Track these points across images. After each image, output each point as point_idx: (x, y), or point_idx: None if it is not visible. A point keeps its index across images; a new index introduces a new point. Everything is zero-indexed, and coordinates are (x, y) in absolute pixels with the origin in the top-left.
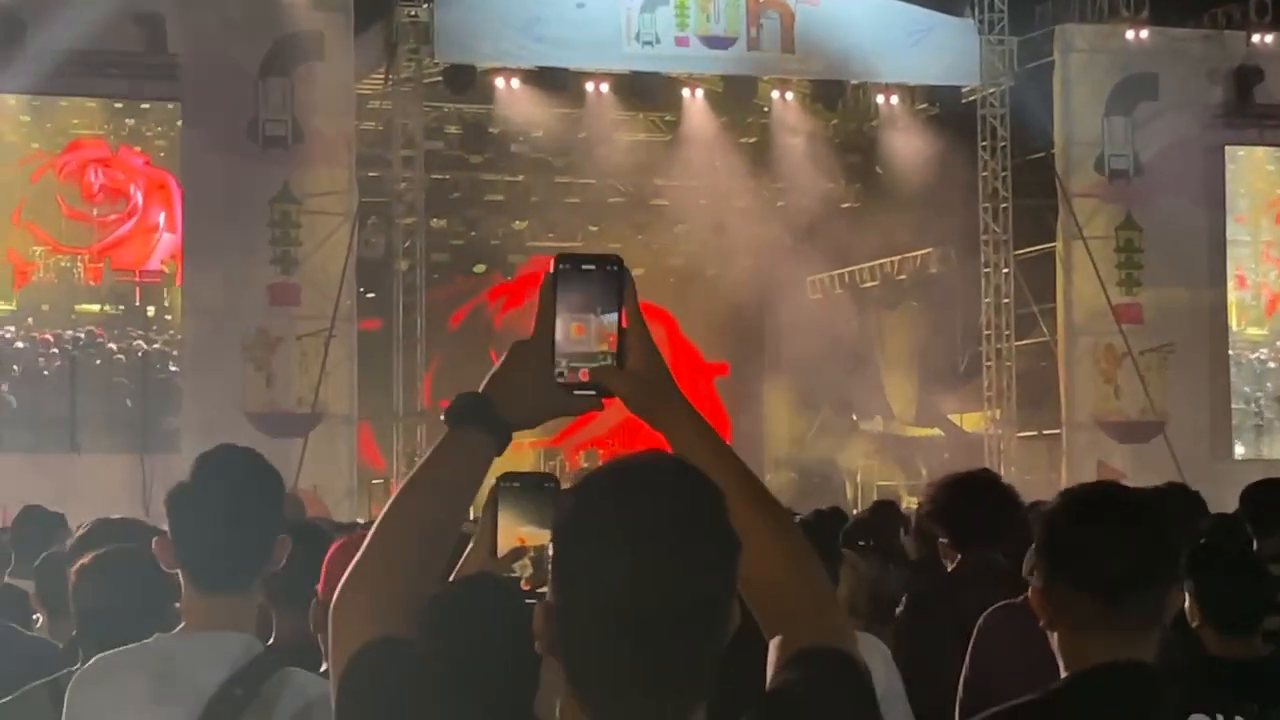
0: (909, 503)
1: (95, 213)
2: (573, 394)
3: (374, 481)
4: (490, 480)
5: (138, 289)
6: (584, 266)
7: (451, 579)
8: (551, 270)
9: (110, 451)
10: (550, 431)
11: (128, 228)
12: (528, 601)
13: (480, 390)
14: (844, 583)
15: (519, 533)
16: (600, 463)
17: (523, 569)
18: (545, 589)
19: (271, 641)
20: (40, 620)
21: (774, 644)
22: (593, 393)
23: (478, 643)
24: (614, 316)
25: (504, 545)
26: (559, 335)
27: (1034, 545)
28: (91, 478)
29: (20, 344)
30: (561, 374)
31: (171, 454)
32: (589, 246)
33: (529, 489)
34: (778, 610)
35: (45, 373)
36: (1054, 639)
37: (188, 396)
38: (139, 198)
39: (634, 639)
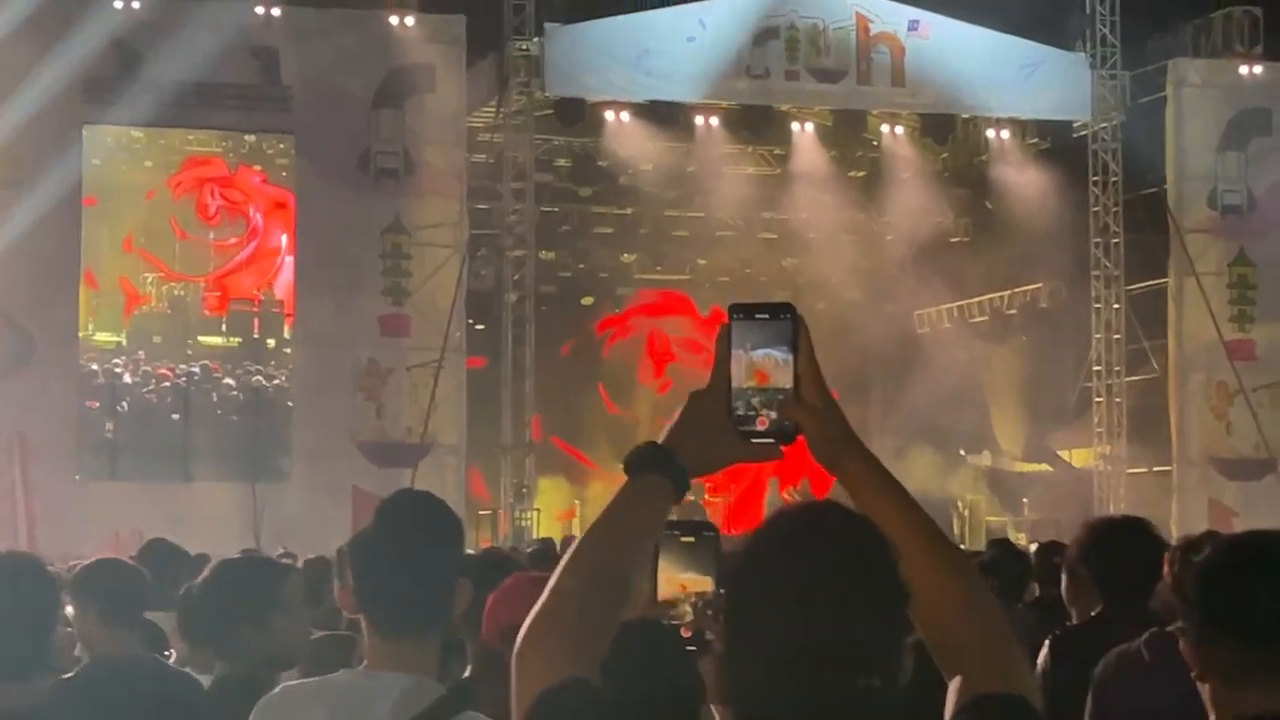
0: (1017, 538)
1: (212, 236)
2: (751, 441)
3: (481, 513)
4: None
5: (256, 319)
6: (758, 315)
7: None
8: (726, 320)
9: (221, 480)
10: None
11: (247, 252)
12: (688, 649)
13: (660, 440)
14: None
15: (679, 579)
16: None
17: (682, 615)
18: (706, 635)
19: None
20: (173, 655)
21: (952, 686)
22: (770, 440)
23: (640, 687)
24: (789, 364)
25: (664, 592)
26: (735, 383)
27: (1184, 594)
28: (203, 506)
29: (130, 378)
30: (739, 421)
31: (282, 483)
32: (696, 279)
33: (689, 536)
34: (955, 654)
35: (157, 404)
36: (1205, 690)
37: (298, 426)
38: (258, 219)
39: (805, 689)
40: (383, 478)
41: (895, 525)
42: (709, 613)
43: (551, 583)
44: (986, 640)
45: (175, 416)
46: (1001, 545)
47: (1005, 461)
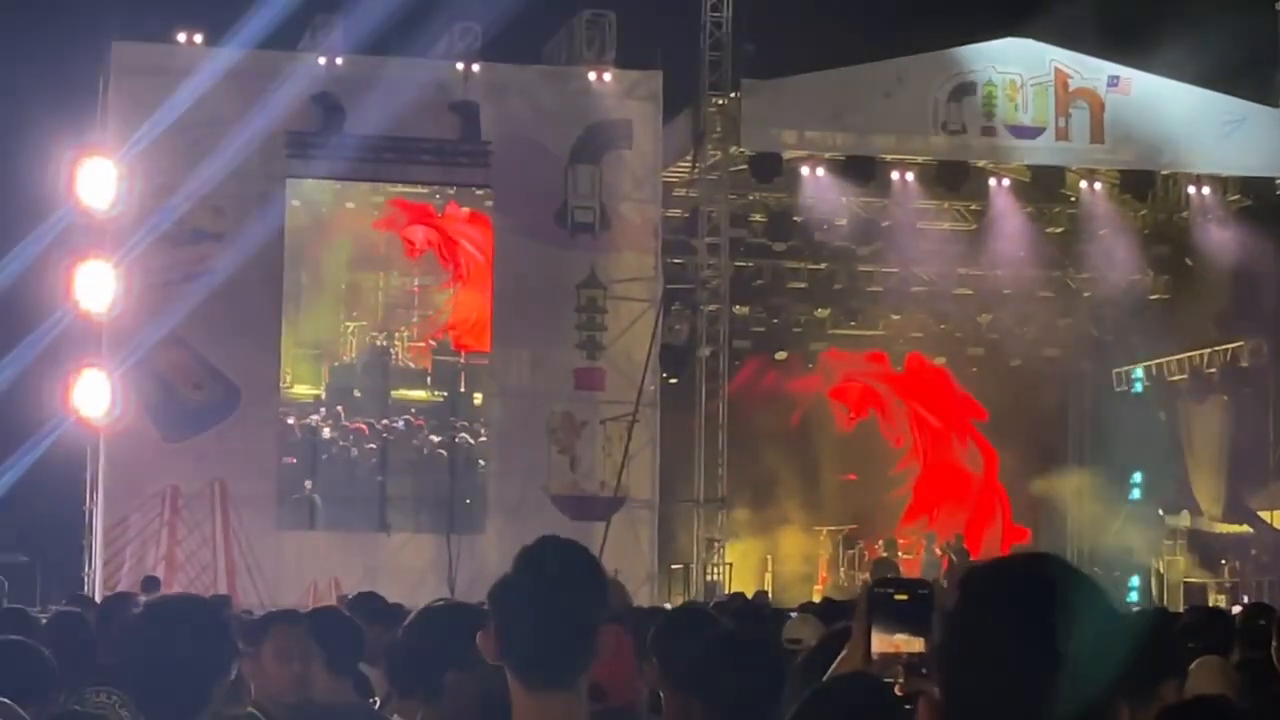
0: (1216, 600)
1: (417, 283)
2: None
3: (674, 567)
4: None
5: (463, 374)
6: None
7: (825, 678)
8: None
9: (418, 531)
10: (848, 521)
11: (452, 296)
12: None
13: None
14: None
15: (893, 640)
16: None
17: (896, 675)
18: (920, 693)
19: None
20: (377, 703)
21: None
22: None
23: None
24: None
25: (877, 651)
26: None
27: None
28: (400, 557)
29: (329, 432)
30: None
31: (476, 534)
32: (890, 335)
33: (903, 594)
34: None
35: (357, 457)
36: None
37: (493, 477)
38: (466, 264)
39: None
40: (576, 530)
41: None
42: (923, 671)
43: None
44: None
45: (373, 468)
46: (1201, 610)
47: (1204, 522)
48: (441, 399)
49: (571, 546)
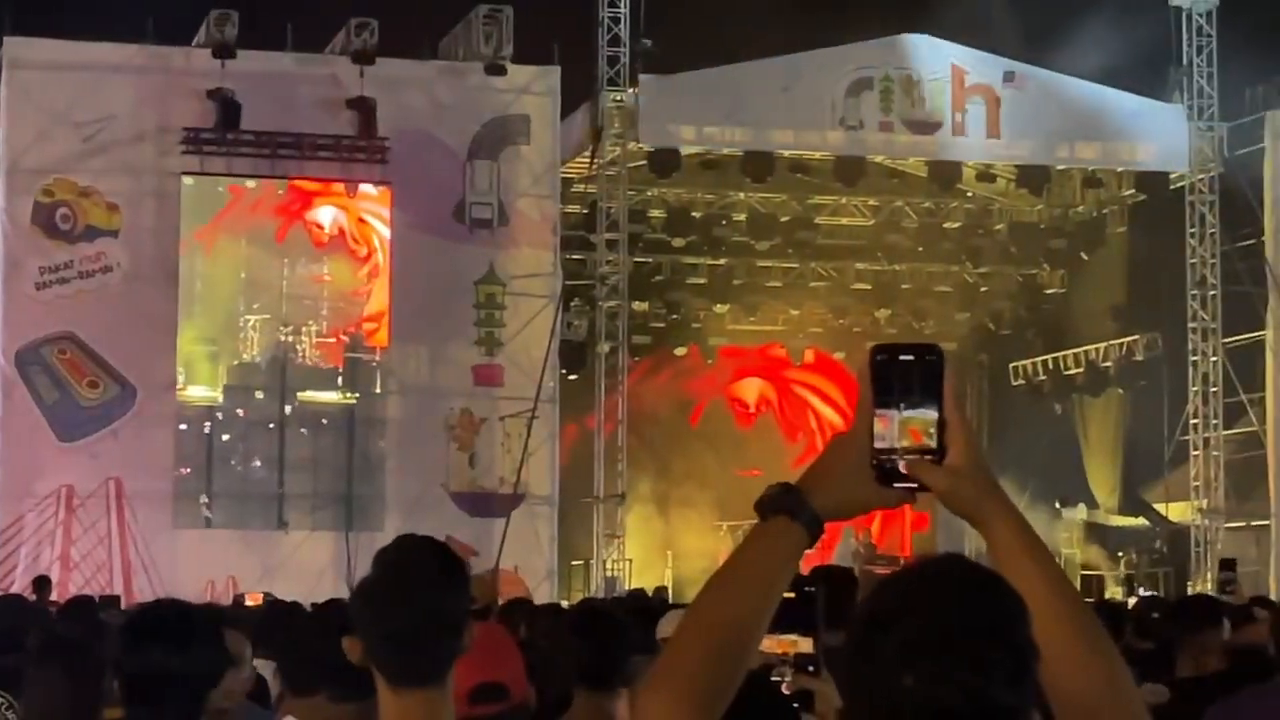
0: (1113, 592)
1: (327, 271)
2: (890, 486)
3: (574, 563)
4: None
5: (379, 373)
6: (901, 357)
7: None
8: (869, 361)
9: (315, 529)
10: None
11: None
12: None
13: (795, 481)
14: None
15: (778, 640)
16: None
17: (781, 675)
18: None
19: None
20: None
21: None
22: (914, 485)
23: None
24: (933, 407)
25: (764, 649)
26: (878, 440)
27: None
28: (297, 555)
29: (226, 436)
30: (880, 466)
31: (375, 531)
32: (789, 330)
33: (789, 593)
34: None
35: (253, 453)
36: None
37: (392, 474)
38: (379, 255)
39: None
40: (476, 527)
41: (1033, 585)
42: (810, 669)
43: (676, 629)
44: (1122, 715)
45: (271, 465)
46: (1093, 602)
47: (1101, 515)
48: (354, 401)
49: (427, 544)
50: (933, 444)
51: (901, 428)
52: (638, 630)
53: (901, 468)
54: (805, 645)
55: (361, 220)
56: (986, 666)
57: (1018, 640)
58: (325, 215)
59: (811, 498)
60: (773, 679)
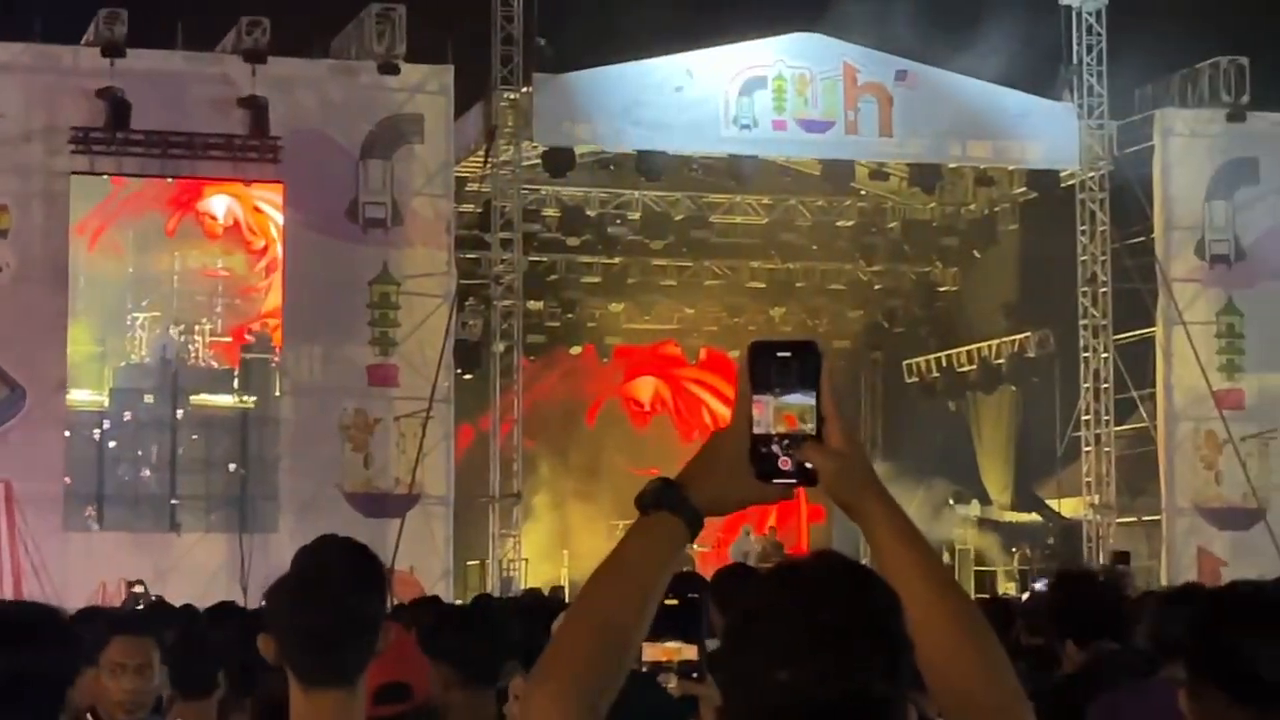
0: (1006, 588)
1: (221, 265)
2: (769, 481)
3: (469, 563)
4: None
5: (278, 374)
6: (779, 353)
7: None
8: (747, 356)
9: (209, 530)
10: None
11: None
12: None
13: (674, 476)
14: None
15: (662, 648)
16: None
17: (666, 681)
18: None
19: None
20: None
21: None
22: (792, 481)
23: None
24: (812, 401)
25: (649, 659)
26: (756, 421)
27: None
28: (191, 556)
29: (114, 442)
30: (760, 461)
31: (269, 533)
32: (684, 329)
33: (672, 599)
34: (964, 711)
35: (145, 455)
36: None
37: (286, 475)
38: (278, 247)
39: None
40: (371, 528)
41: (911, 576)
42: (693, 676)
43: (560, 624)
44: (999, 701)
45: (163, 467)
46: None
47: (994, 511)
48: (251, 405)
49: (345, 545)
50: (810, 429)
51: (777, 413)
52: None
53: (780, 463)
54: (689, 652)
55: (257, 209)
56: (860, 660)
57: (891, 633)
58: (218, 205)
59: (691, 492)
60: (658, 683)
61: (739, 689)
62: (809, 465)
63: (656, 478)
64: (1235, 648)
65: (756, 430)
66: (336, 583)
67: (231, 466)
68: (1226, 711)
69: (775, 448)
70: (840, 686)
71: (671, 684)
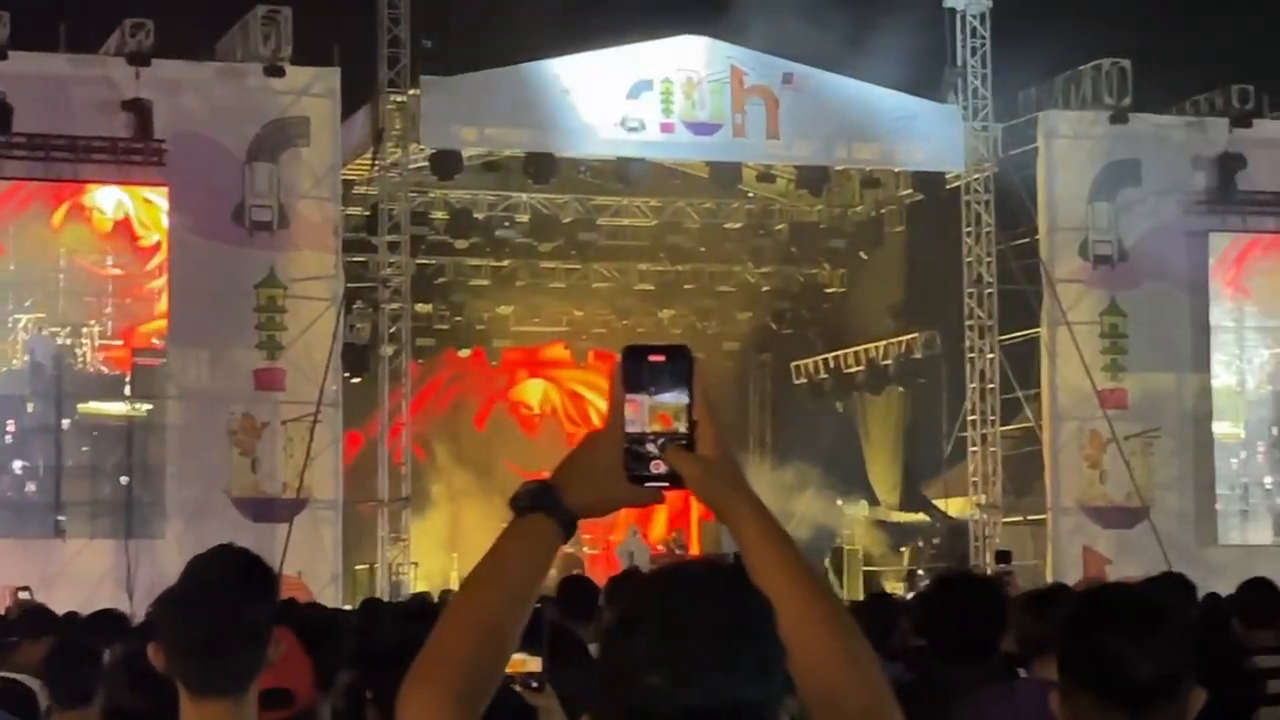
0: (894, 588)
1: (111, 262)
2: (642, 485)
3: (358, 568)
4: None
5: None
6: (652, 357)
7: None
8: (620, 361)
9: (94, 536)
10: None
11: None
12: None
13: (548, 478)
14: None
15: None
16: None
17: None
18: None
19: None
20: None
21: None
22: (664, 483)
23: None
24: (684, 406)
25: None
26: (631, 426)
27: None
28: (76, 563)
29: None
30: (632, 464)
31: (155, 539)
32: (574, 331)
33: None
34: (833, 712)
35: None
36: None
37: (172, 480)
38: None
39: None
40: (259, 533)
41: (779, 579)
42: (534, 686)
43: (437, 626)
44: (868, 703)
45: (47, 471)
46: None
47: (882, 511)
48: (144, 414)
49: (235, 554)
50: (683, 428)
51: (652, 413)
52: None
53: (653, 466)
54: (532, 664)
55: (148, 200)
56: (732, 664)
57: (763, 637)
58: (107, 199)
59: (565, 494)
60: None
61: (612, 693)
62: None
63: (531, 480)
64: (1106, 649)
65: (629, 429)
66: (225, 592)
67: (119, 474)
68: (1098, 712)
69: (650, 447)
70: (712, 690)
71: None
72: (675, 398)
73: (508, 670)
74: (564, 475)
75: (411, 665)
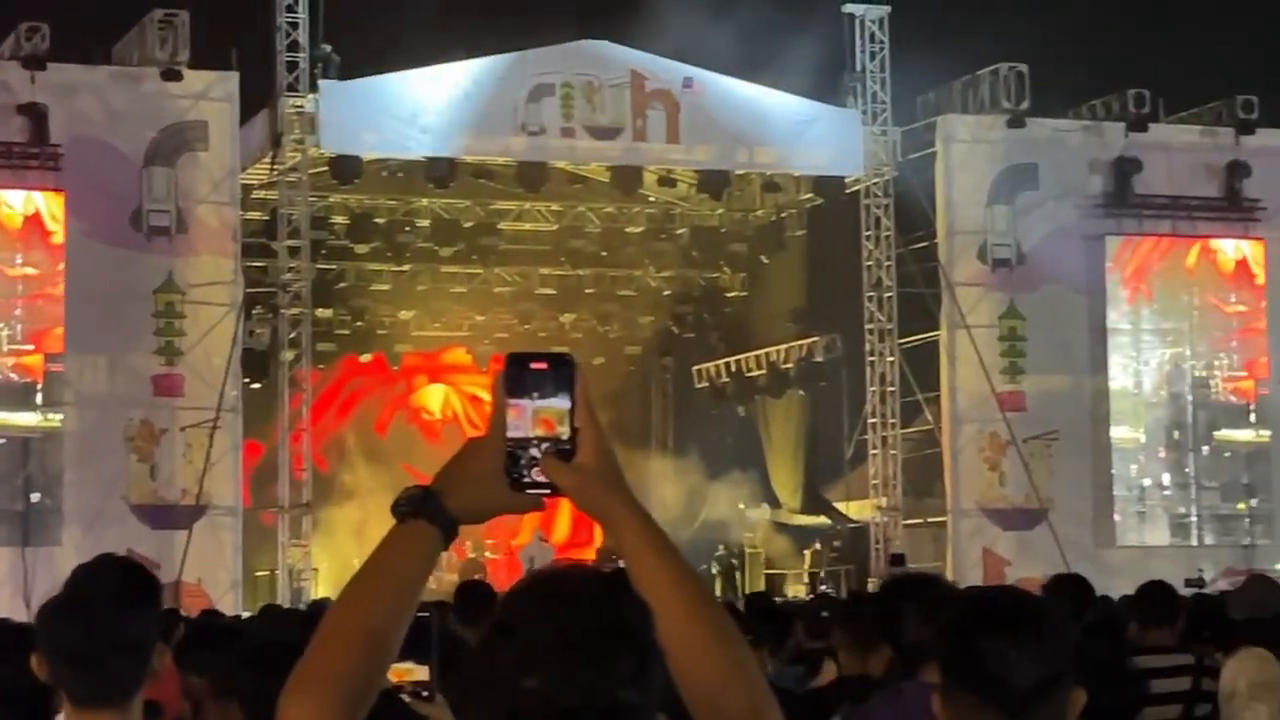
0: (795, 590)
1: (21, 260)
2: (523, 491)
3: (258, 574)
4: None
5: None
6: (534, 365)
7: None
8: (503, 368)
9: None
10: None
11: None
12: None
13: (429, 484)
14: None
15: (395, 668)
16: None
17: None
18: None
19: None
20: None
21: None
22: (545, 491)
23: None
24: (566, 412)
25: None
26: (514, 432)
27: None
28: None
29: None
30: (513, 470)
31: (53, 546)
32: (475, 335)
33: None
34: (713, 715)
35: None
36: None
37: (70, 488)
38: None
39: None
40: (158, 540)
41: (661, 584)
42: (423, 695)
43: (318, 633)
44: (749, 704)
45: None
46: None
47: (784, 514)
48: (57, 424)
49: (117, 563)
50: (565, 435)
51: (534, 418)
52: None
53: (534, 473)
54: (420, 673)
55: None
56: (609, 667)
57: (640, 640)
58: (15, 194)
59: (446, 500)
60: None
61: (486, 696)
62: None
63: (412, 485)
64: (986, 652)
65: (511, 434)
66: (106, 602)
67: (17, 481)
68: (978, 714)
69: (533, 453)
70: (589, 693)
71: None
72: (557, 404)
73: (396, 680)
74: (445, 481)
75: (290, 676)
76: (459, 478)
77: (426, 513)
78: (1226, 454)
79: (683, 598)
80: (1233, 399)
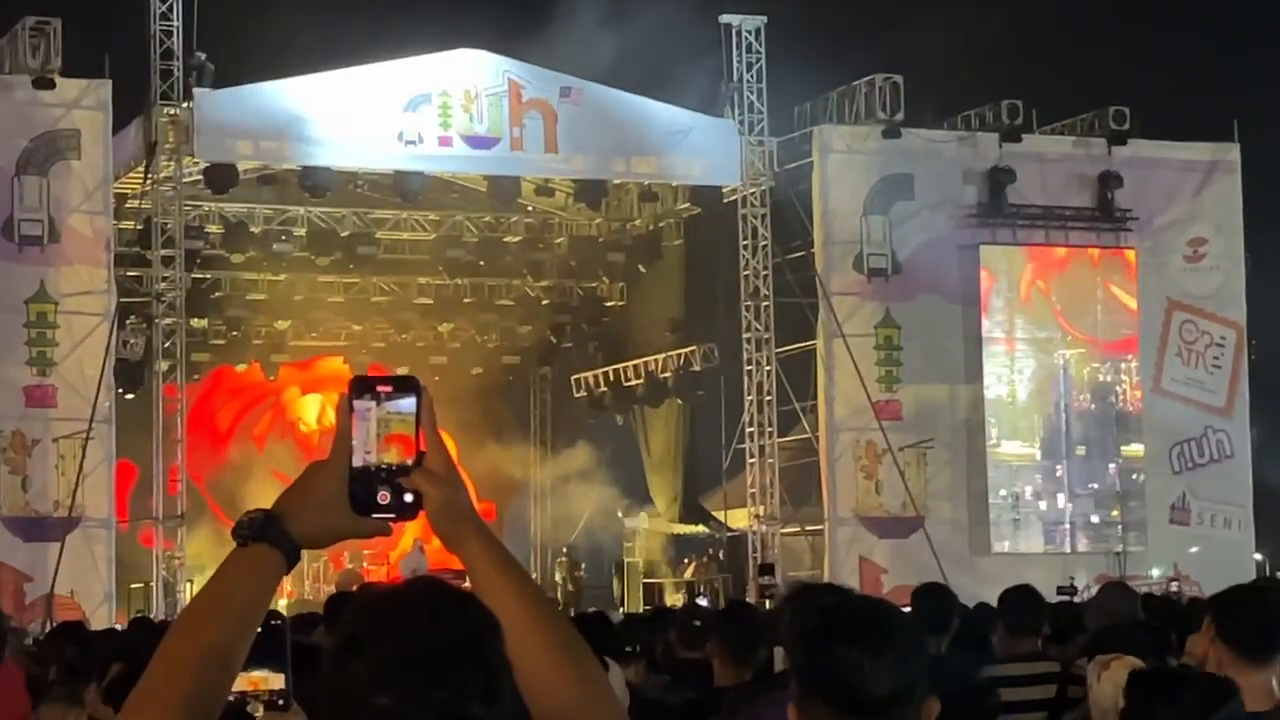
0: (674, 600)
1: None
2: (368, 516)
3: (133, 586)
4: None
5: None
6: (379, 388)
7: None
8: (347, 392)
9: None
10: None
11: None
12: None
13: (271, 507)
14: None
15: (248, 677)
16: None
17: (254, 711)
18: None
19: None
20: None
21: None
22: (390, 515)
23: None
24: (411, 437)
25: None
26: (359, 458)
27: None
28: None
29: None
30: (357, 495)
31: None
32: (352, 345)
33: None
34: None
35: None
36: None
37: None
38: None
39: None
40: (30, 552)
41: (509, 604)
42: (279, 704)
43: (159, 652)
44: None
45: None
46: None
47: (663, 523)
48: None
49: None
50: (410, 459)
51: (379, 443)
52: None
53: (379, 498)
54: (275, 682)
55: None
56: (459, 683)
57: (489, 656)
58: None
59: (289, 524)
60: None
61: (340, 713)
62: (408, 499)
63: (254, 510)
64: (838, 661)
65: (355, 463)
66: None
67: None
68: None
69: (375, 481)
70: (438, 709)
71: (259, 714)
72: (401, 434)
73: (251, 688)
74: (287, 505)
75: (131, 692)
76: (301, 502)
77: (268, 537)
78: (1099, 461)
79: (532, 616)
80: (1107, 407)
